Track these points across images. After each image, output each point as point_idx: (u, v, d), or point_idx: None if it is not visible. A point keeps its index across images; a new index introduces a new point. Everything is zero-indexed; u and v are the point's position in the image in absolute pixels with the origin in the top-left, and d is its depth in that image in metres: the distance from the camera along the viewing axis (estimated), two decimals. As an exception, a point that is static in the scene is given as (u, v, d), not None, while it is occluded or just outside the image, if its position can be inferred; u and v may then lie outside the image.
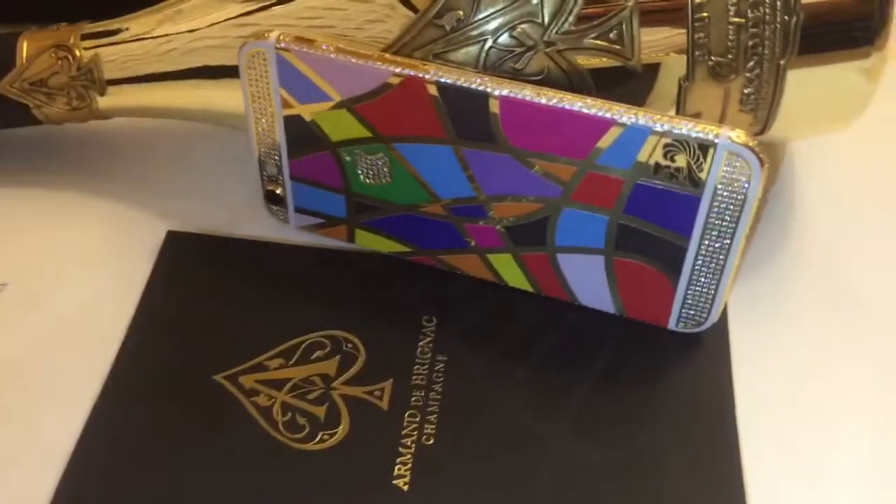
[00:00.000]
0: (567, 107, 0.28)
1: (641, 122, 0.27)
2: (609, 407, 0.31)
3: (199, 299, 0.34)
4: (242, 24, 0.33)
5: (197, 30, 0.33)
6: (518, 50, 0.30)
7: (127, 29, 0.34)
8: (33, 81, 0.35)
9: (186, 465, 0.29)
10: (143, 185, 0.37)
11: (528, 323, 0.33)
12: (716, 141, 0.27)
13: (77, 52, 0.35)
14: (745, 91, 0.30)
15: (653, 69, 0.31)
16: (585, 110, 0.28)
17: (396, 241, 0.34)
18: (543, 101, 0.28)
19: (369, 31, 0.31)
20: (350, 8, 0.31)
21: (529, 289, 0.33)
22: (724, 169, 0.27)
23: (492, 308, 0.33)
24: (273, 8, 0.32)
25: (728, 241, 0.29)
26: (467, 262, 0.33)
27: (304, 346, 0.32)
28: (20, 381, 0.31)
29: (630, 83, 0.31)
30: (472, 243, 0.33)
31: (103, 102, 0.35)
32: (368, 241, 0.35)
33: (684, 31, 0.29)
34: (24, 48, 0.35)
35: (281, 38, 0.30)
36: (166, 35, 0.34)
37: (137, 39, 0.34)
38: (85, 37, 0.35)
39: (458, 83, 0.29)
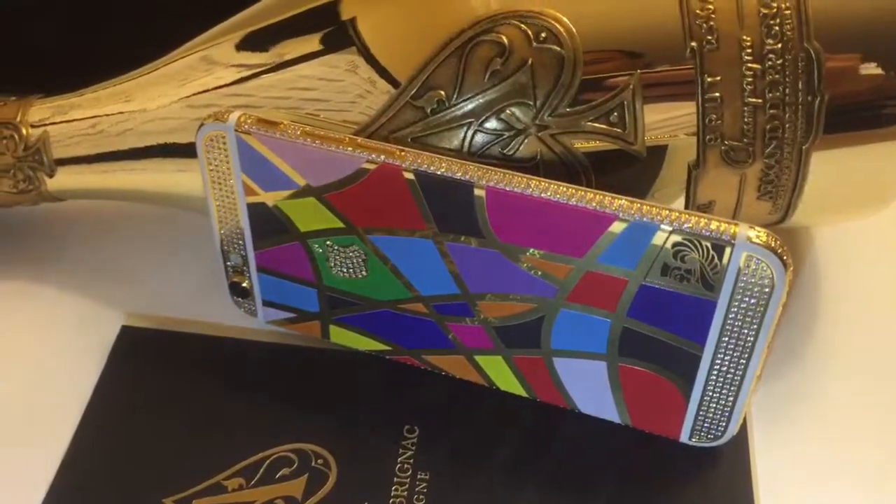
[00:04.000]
0: (562, 200, 0.25)
1: (646, 217, 0.24)
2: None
3: (153, 405, 0.30)
4: (207, 102, 0.29)
5: (158, 106, 0.30)
6: (507, 134, 0.26)
7: (81, 105, 0.31)
8: (-25, 162, 0.32)
9: None
10: (96, 274, 0.34)
11: (523, 434, 0.29)
12: (732, 241, 0.24)
13: (24, 131, 0.31)
14: (764, 178, 0.27)
15: (659, 152, 0.27)
16: (583, 204, 0.24)
17: (375, 339, 0.30)
18: (535, 192, 0.25)
19: (354, 107, 0.28)
20: (346, 79, 0.28)
21: (524, 394, 0.30)
22: (743, 272, 0.24)
23: (481, 416, 0.30)
24: (263, 76, 0.29)
25: (748, 352, 0.25)
26: (453, 364, 0.30)
27: (268, 462, 0.28)
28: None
29: (633, 168, 0.27)
30: (458, 343, 0.29)
31: (53, 184, 0.32)
32: (344, 339, 0.31)
33: (694, 112, 0.26)
34: (-35, 126, 0.32)
35: (242, 119, 0.27)
36: (123, 112, 0.31)
37: (92, 117, 0.31)
38: (34, 113, 0.32)
39: (439, 172, 0.25)
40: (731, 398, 0.27)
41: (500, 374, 0.29)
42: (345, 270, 0.29)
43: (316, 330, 0.31)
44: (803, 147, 0.26)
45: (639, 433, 0.29)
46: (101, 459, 0.28)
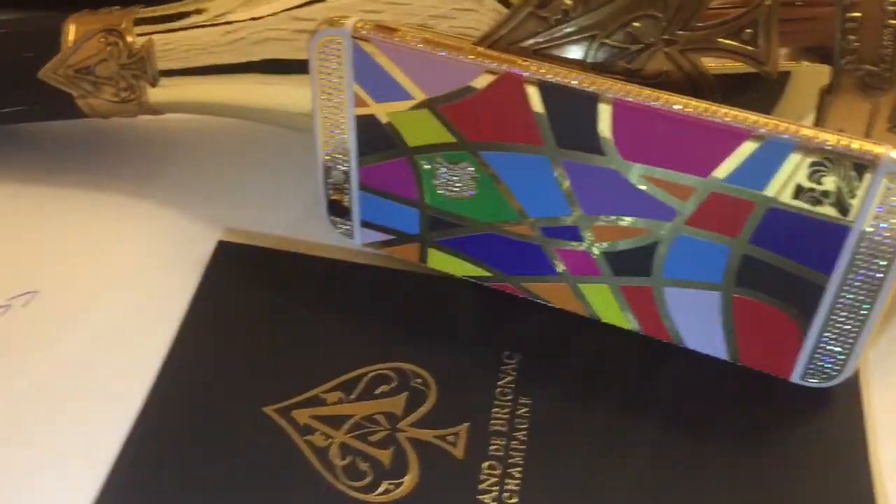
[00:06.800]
0: (694, 114, 0.24)
1: (784, 134, 0.23)
2: (721, 473, 0.26)
3: (250, 319, 0.30)
4: (313, 15, 0.29)
5: (267, 16, 0.29)
6: (633, 48, 0.26)
7: (187, 14, 0.31)
8: (79, 68, 0.31)
9: (228, 512, 0.25)
10: (193, 190, 0.34)
11: (624, 366, 0.28)
12: (876, 161, 0.23)
13: (129, 38, 0.31)
14: (899, 107, 0.26)
15: (785, 76, 0.26)
16: (717, 119, 0.24)
17: (475, 263, 0.30)
18: (665, 106, 0.24)
19: (456, 22, 0.27)
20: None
21: (627, 326, 0.29)
22: (883, 196, 0.23)
23: (582, 347, 0.29)
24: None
25: (878, 284, 0.24)
26: (555, 292, 0.29)
27: (366, 378, 0.28)
28: (48, 402, 0.28)
29: (758, 92, 0.26)
30: (562, 270, 0.28)
31: (154, 95, 0.32)
32: (442, 263, 0.30)
33: (829, 33, 0.25)
34: (70, 32, 0.31)
35: (359, 25, 0.27)
36: (231, 22, 0.30)
37: (199, 26, 0.31)
38: (139, 21, 0.31)
39: (564, 82, 0.25)
40: (852, 336, 0.26)
41: (605, 304, 0.29)
42: (451, 189, 0.28)
43: (414, 253, 0.31)
44: (945, 75, 0.25)
45: (745, 371, 0.28)
46: (199, 369, 0.28)
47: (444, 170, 0.28)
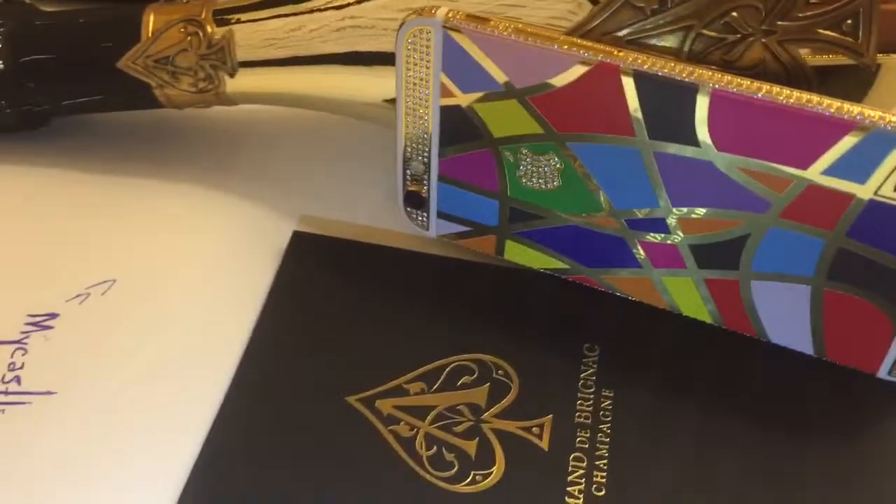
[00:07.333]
0: (797, 105, 0.23)
1: (890, 127, 0.23)
2: (807, 469, 0.26)
3: (328, 309, 0.30)
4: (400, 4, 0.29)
5: (349, 5, 0.29)
6: (730, 38, 0.25)
7: (267, 4, 0.31)
8: (158, 58, 0.32)
9: (318, 500, 0.25)
10: (268, 181, 0.34)
11: (705, 360, 0.28)
12: None
13: (209, 28, 0.31)
14: None
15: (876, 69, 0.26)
16: (821, 110, 0.23)
17: (553, 256, 0.30)
18: (768, 97, 0.24)
19: (542, 13, 0.27)
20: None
21: (708, 319, 0.29)
22: None
23: (662, 340, 0.29)
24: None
25: (979, 277, 0.24)
26: (635, 285, 0.29)
27: (448, 369, 0.28)
28: (127, 391, 0.28)
29: (842, 84, 0.26)
30: (645, 262, 0.28)
31: (232, 86, 0.32)
32: (520, 256, 0.30)
33: (931, 24, 0.25)
34: (150, 21, 0.32)
35: (450, 15, 0.27)
36: (312, 12, 0.30)
37: (279, 16, 0.31)
38: (218, 11, 0.31)
39: (662, 73, 0.25)
40: (947, 330, 0.25)
41: (687, 297, 0.28)
42: (535, 180, 0.28)
43: (490, 245, 0.31)
44: None
45: (829, 365, 0.28)
46: (279, 358, 0.28)
47: (528, 160, 0.28)
